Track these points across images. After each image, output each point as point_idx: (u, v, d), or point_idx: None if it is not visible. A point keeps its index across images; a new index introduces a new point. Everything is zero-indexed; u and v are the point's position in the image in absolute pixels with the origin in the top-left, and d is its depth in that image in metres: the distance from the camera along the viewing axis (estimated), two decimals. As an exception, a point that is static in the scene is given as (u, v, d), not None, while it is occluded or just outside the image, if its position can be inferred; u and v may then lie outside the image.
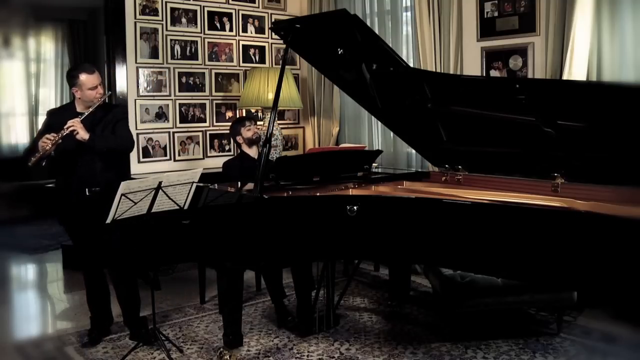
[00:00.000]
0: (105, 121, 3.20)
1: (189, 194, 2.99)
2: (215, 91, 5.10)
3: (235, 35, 5.21)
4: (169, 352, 3.04)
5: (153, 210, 2.91)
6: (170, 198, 2.92)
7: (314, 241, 2.71)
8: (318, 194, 2.90)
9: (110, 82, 4.57)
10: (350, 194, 3.05)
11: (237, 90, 5.19)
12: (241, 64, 5.24)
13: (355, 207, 2.59)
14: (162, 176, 2.85)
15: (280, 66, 3.30)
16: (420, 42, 4.41)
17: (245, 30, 5.28)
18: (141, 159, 4.67)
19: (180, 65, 4.87)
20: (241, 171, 3.65)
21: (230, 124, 4.14)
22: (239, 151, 3.94)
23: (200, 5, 4.98)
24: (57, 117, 3.11)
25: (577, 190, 2.69)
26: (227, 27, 5.15)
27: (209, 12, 5.03)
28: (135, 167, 4.60)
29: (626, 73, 3.40)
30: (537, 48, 3.88)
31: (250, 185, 3.06)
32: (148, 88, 4.71)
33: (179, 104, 4.89)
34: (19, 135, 7.89)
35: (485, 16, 4.16)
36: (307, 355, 3.08)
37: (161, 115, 4.79)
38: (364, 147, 4.53)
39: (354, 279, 4.31)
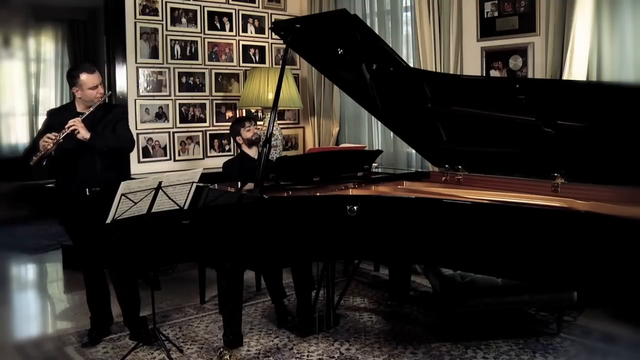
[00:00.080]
0: (105, 121, 3.20)
1: (189, 194, 2.99)
2: (215, 91, 5.09)
3: (235, 35, 5.21)
4: (169, 352, 3.04)
5: (153, 210, 2.91)
6: (170, 198, 2.92)
7: (314, 241, 2.71)
8: (318, 194, 2.90)
9: (110, 82, 4.57)
10: (350, 194, 3.05)
11: (237, 90, 5.19)
12: (241, 64, 5.24)
13: (355, 207, 2.59)
14: (162, 176, 2.85)
15: (280, 66, 3.30)
16: (420, 42, 4.41)
17: (245, 30, 5.28)
18: (141, 159, 4.67)
19: (180, 65, 4.87)
20: (241, 171, 3.65)
21: (230, 124, 4.14)
22: (239, 151, 3.94)
23: (200, 5, 4.98)
24: (58, 117, 3.11)
25: (577, 190, 2.69)
26: (227, 27, 5.15)
27: (209, 12, 5.03)
28: (135, 167, 4.60)
29: (626, 73, 3.40)
30: (537, 48, 3.88)
31: (250, 185, 3.07)
32: (148, 88, 4.71)
33: (179, 104, 4.89)
34: (19, 135, 7.88)
35: (485, 16, 4.16)
36: (307, 355, 3.08)
37: (161, 115, 4.79)
38: (364, 147, 4.53)
39: (354, 279, 4.31)
